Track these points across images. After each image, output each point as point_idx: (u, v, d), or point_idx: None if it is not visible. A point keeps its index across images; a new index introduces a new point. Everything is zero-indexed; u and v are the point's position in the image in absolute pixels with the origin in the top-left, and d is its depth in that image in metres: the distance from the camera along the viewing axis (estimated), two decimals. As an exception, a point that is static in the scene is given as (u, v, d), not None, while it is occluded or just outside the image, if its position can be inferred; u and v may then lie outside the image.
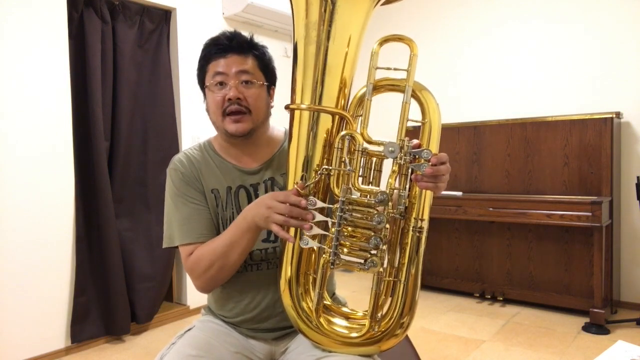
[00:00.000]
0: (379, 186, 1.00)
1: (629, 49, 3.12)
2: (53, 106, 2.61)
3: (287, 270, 1.03)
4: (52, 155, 2.60)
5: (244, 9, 3.37)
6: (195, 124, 3.30)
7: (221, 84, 1.13)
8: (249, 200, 1.18)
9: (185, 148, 3.18)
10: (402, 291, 0.98)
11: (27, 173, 2.51)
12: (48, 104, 2.59)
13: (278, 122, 1.25)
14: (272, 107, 1.21)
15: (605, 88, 3.20)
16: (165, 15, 3.20)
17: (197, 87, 1.22)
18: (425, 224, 0.97)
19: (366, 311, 1.02)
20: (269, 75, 1.19)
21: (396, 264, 0.99)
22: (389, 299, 1.01)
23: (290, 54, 4.08)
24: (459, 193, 3.35)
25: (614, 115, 2.97)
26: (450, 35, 3.84)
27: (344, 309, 1.08)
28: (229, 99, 1.12)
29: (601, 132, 2.99)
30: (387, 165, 1.00)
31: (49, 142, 2.59)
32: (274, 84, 1.22)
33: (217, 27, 3.44)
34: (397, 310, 0.98)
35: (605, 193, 2.95)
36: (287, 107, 1.05)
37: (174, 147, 3.20)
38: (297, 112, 1.03)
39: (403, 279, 0.98)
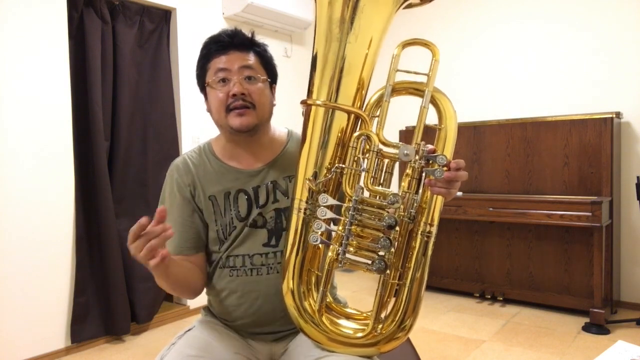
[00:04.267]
0: (389, 188, 1.00)
1: (629, 49, 3.12)
2: (53, 106, 2.61)
3: (290, 268, 1.03)
4: (52, 155, 2.60)
5: (244, 9, 3.37)
6: (195, 124, 3.30)
7: (224, 80, 1.11)
8: (249, 204, 1.16)
9: (185, 148, 3.23)
10: (406, 295, 0.97)
11: (27, 173, 2.51)
12: (48, 104, 2.59)
13: (283, 122, 1.25)
14: (274, 105, 1.20)
15: (605, 88, 3.20)
16: (165, 15, 3.20)
17: (198, 87, 1.20)
18: (434, 229, 0.97)
19: (369, 312, 1.02)
20: (271, 72, 1.18)
21: (402, 267, 0.99)
22: (393, 300, 1.00)
23: (290, 54, 4.05)
24: (459, 193, 3.33)
25: (614, 115, 2.97)
26: (450, 35, 3.84)
27: (346, 309, 1.08)
28: (233, 95, 1.10)
29: (601, 132, 2.98)
30: (397, 167, 0.99)
31: (49, 142, 2.59)
32: (275, 82, 1.21)
33: (217, 27, 3.43)
34: (399, 314, 0.98)
35: (605, 193, 2.95)
36: (303, 102, 1.03)
37: (174, 147, 3.20)
38: (312, 109, 1.02)
39: (408, 282, 0.97)
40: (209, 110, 1.18)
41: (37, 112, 2.54)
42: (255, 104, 1.12)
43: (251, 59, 1.13)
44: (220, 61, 1.12)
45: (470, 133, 3.52)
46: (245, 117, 1.11)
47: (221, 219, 1.16)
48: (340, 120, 1.01)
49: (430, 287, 3.65)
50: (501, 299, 3.31)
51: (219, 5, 3.48)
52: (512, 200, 3.10)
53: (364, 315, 1.06)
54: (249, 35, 1.16)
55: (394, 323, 0.98)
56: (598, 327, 2.78)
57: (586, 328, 2.81)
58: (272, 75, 1.18)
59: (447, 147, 0.98)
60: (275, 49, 3.85)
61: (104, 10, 2.84)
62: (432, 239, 0.97)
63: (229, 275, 1.16)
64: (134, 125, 3.04)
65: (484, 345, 2.64)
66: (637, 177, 2.82)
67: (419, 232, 0.96)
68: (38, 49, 2.54)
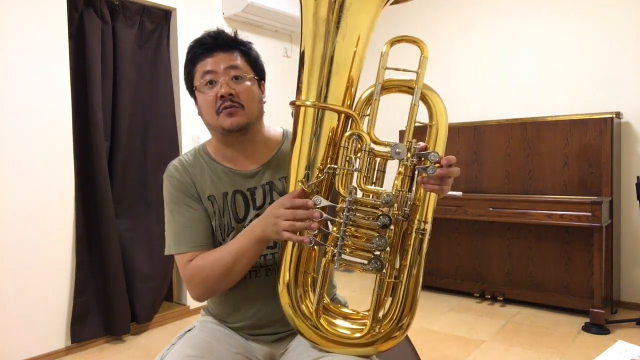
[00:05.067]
0: (382, 187, 0.99)
1: (629, 49, 3.12)
2: (53, 106, 2.61)
3: (285, 270, 1.02)
4: (52, 155, 2.60)
5: (244, 9, 3.37)
6: (195, 124, 3.29)
7: (211, 82, 1.11)
8: (246, 206, 1.16)
9: (185, 148, 3.23)
10: (403, 293, 0.97)
11: (27, 173, 2.51)
12: (48, 104, 2.59)
13: (283, 122, 1.24)
14: (264, 102, 1.20)
15: (605, 88, 3.20)
16: (165, 15, 3.20)
17: (187, 91, 1.19)
18: (428, 227, 0.97)
19: (366, 312, 1.01)
20: (258, 69, 1.17)
21: (398, 266, 0.99)
22: (390, 299, 1.00)
23: (291, 54, 4.03)
24: (459, 193, 3.35)
25: (614, 115, 2.97)
26: (450, 34, 3.84)
27: (343, 309, 1.07)
28: (222, 96, 1.10)
29: (601, 132, 2.99)
30: (391, 166, 0.99)
31: (49, 142, 2.59)
32: (264, 79, 1.20)
33: (217, 27, 3.44)
34: (396, 313, 0.98)
35: (605, 193, 2.95)
36: (292, 104, 1.02)
37: (174, 147, 3.20)
38: (302, 109, 1.01)
39: (404, 280, 0.97)
40: (200, 113, 1.17)
41: (37, 112, 2.54)
42: (244, 103, 1.11)
43: (237, 58, 1.13)
44: (206, 64, 1.12)
45: (470, 133, 3.52)
46: (235, 117, 1.10)
47: (220, 220, 1.16)
48: (331, 120, 1.00)
49: (430, 287, 3.64)
50: (501, 299, 3.31)
51: (219, 5, 3.49)
52: (512, 200, 3.10)
53: (361, 315, 1.05)
54: (232, 35, 1.16)
55: (391, 322, 0.98)
56: (598, 327, 2.78)
57: (586, 328, 2.81)
58: (259, 72, 1.18)
59: (439, 143, 0.97)
60: (275, 49, 3.88)
61: (104, 10, 2.84)
62: (427, 237, 0.97)
63: None
64: (134, 125, 3.04)
65: (484, 345, 2.64)
66: (637, 177, 2.82)
67: (414, 230, 0.96)
68: (38, 49, 2.54)
